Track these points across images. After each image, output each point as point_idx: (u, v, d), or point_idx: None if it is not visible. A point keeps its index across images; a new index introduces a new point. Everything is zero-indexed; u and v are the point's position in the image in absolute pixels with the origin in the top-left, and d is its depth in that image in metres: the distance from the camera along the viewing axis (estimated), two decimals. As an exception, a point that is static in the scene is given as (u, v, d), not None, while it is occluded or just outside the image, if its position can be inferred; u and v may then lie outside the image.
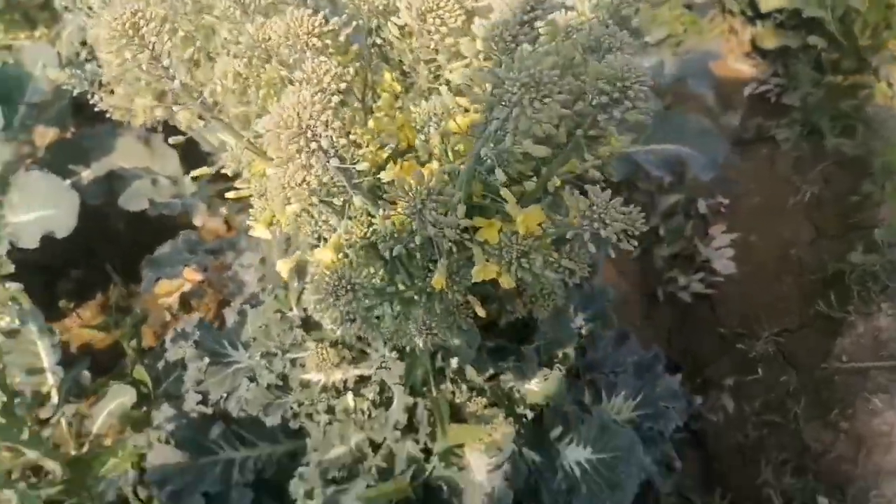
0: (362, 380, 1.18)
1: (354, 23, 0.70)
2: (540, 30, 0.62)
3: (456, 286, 0.71)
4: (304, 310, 1.20)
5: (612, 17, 0.70)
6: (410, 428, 1.19)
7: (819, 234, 2.27)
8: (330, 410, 1.20)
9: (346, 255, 0.72)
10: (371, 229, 0.69)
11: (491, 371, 1.17)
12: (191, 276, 2.05)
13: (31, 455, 1.47)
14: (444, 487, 1.19)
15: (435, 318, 0.75)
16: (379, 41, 0.73)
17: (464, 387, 1.19)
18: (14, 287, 1.68)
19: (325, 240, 0.72)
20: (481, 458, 1.18)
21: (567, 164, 0.66)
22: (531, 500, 1.26)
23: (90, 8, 1.44)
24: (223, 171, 0.79)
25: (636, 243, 0.58)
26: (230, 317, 1.43)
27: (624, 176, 1.89)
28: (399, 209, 0.57)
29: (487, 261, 0.64)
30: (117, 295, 2.16)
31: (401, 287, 0.77)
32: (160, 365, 1.70)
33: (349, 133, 0.60)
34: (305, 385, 1.19)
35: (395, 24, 0.68)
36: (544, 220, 0.62)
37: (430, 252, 0.67)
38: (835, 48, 2.58)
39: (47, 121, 2.15)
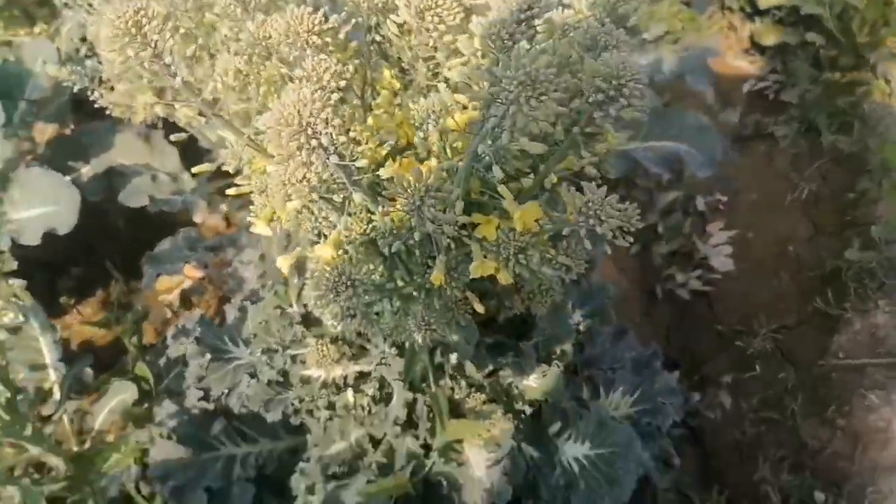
0: (362, 376, 1.19)
1: (354, 20, 0.70)
2: (537, 27, 0.62)
3: (454, 282, 0.71)
4: (305, 306, 1.21)
5: (608, 14, 0.70)
6: (410, 424, 1.20)
7: (817, 230, 2.28)
8: (330, 406, 1.21)
9: (346, 252, 0.72)
10: (371, 226, 0.70)
11: (490, 367, 1.18)
12: (191, 272, 2.06)
13: (34, 451, 1.48)
14: (444, 483, 1.20)
15: (434, 314, 0.75)
16: (378, 38, 0.73)
17: (463, 383, 1.20)
18: (17, 284, 1.68)
19: (326, 236, 0.72)
20: (480, 454, 1.19)
21: (564, 161, 0.67)
22: (530, 495, 1.26)
23: (90, 4, 1.45)
24: (223, 167, 0.79)
25: (632, 239, 0.58)
26: (231, 313, 1.44)
27: (622, 173, 1.90)
28: (398, 206, 0.58)
29: (485, 257, 0.64)
30: (118, 292, 2.17)
31: (400, 283, 0.77)
32: (161, 361, 1.70)
33: (349, 130, 0.61)
34: (306, 381, 1.19)
35: (394, 21, 0.69)
36: (541, 217, 0.62)
37: (429, 248, 0.67)
38: (833, 45, 2.58)
39: (47, 117, 2.15)
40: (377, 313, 0.77)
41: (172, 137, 0.76)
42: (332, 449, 1.25)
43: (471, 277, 0.66)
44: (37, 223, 1.84)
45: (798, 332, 2.07)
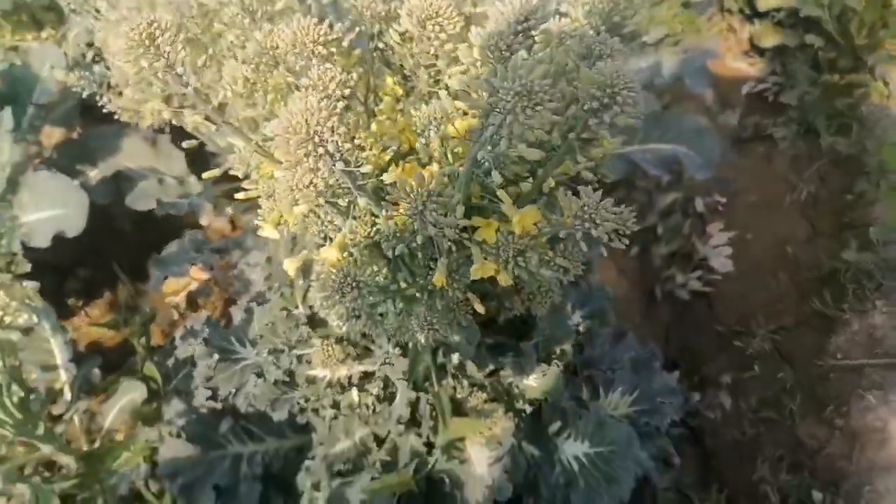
0: (367, 376, 1.20)
1: (357, 28, 0.73)
2: (535, 37, 0.65)
3: (456, 284, 0.73)
4: (310, 307, 1.22)
5: (604, 22, 0.72)
6: (413, 422, 1.21)
7: (815, 232, 2.29)
8: (335, 405, 1.23)
9: (351, 254, 0.73)
10: (375, 229, 0.72)
11: (491, 367, 1.20)
12: (197, 274, 2.08)
13: (46, 450, 1.50)
14: (446, 480, 1.22)
15: (436, 315, 0.77)
16: (381, 46, 0.76)
17: (465, 382, 1.21)
18: (30, 286, 1.71)
19: (331, 239, 0.74)
20: (482, 452, 1.21)
21: (561, 166, 0.69)
22: (530, 493, 1.28)
23: (97, 10, 1.47)
24: (230, 172, 0.81)
25: (627, 242, 0.60)
26: (237, 315, 1.46)
27: (622, 175, 1.92)
28: (401, 210, 0.60)
29: (485, 259, 0.66)
30: (125, 294, 2.19)
31: (403, 285, 0.79)
32: (169, 362, 1.73)
33: (354, 137, 0.63)
34: (311, 381, 1.21)
35: (397, 30, 0.71)
36: (540, 220, 0.64)
37: (431, 251, 0.69)
38: (832, 47, 2.59)
39: (54, 121, 2.18)
40: (381, 314, 0.78)
41: (184, 145, 0.78)
42: (337, 447, 1.27)
43: (471, 279, 0.68)
44: (46, 226, 1.87)
45: (796, 333, 2.09)
